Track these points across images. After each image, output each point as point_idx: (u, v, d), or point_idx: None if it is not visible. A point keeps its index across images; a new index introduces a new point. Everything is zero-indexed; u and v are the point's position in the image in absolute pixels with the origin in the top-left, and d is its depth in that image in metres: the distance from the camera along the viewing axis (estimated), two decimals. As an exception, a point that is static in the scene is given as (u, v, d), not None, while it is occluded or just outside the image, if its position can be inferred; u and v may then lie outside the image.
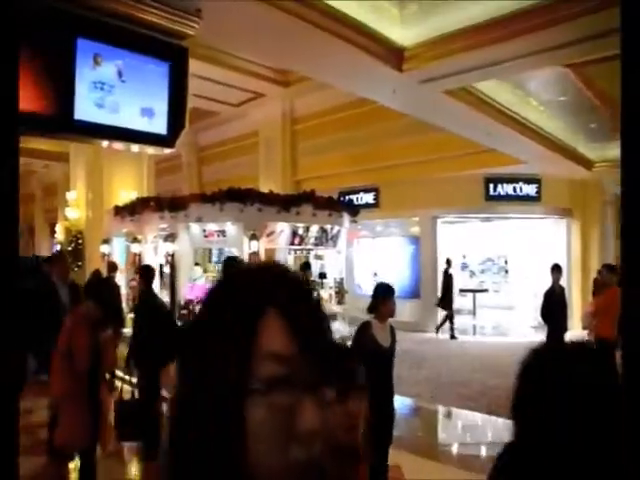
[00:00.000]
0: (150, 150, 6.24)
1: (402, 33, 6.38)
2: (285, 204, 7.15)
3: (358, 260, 14.34)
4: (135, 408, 5.09)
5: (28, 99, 4.56)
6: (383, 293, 4.06)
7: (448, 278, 12.62)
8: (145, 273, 5.73)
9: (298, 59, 6.28)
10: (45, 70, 4.60)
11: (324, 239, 8.25)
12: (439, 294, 12.71)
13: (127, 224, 8.89)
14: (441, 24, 6.12)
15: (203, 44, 7.15)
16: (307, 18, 5.14)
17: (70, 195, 13.12)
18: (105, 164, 11.69)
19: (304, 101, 13.10)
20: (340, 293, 8.98)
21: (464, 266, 15.36)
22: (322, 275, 9.27)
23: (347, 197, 13.53)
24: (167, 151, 5.49)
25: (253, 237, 6.91)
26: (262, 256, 7.10)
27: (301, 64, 6.68)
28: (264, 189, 7.86)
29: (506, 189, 13.10)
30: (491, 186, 13.02)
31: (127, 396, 5.20)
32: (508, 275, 15.24)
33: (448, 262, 12.74)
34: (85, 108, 4.86)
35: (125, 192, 11.22)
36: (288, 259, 9.17)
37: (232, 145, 15.58)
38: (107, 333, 4.26)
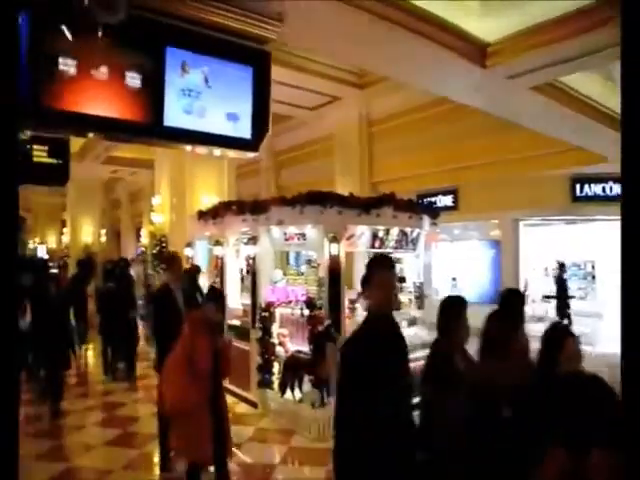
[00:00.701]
0: (233, 154, 6.35)
1: (485, 28, 6.14)
2: (365, 207, 7.06)
3: (436, 264, 14.02)
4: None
5: (123, 108, 4.74)
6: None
7: (562, 283, 12.09)
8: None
9: (380, 60, 6.19)
10: (138, 80, 4.77)
11: (404, 242, 8.09)
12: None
13: (210, 227, 9.11)
14: (526, 16, 5.83)
15: (279, 48, 7.21)
16: (390, 17, 5.05)
17: (155, 200, 13.66)
18: (188, 170, 12.09)
19: (380, 103, 12.98)
20: (420, 298, 8.79)
21: (547, 271, 14.68)
22: (401, 279, 9.11)
23: (425, 199, 13.26)
24: (251, 155, 5.55)
25: (333, 240, 6.86)
26: (342, 259, 7.04)
27: (383, 65, 6.58)
28: (340, 192, 7.80)
29: (594, 189, 12.38)
30: (578, 186, 12.35)
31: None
32: (595, 281, 14.42)
33: (562, 266, 12.21)
34: (174, 115, 5.00)
35: (207, 197, 11.55)
36: (365, 262, 9.09)
37: (308, 149, 15.69)
38: (225, 337, 4.17)
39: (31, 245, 37.20)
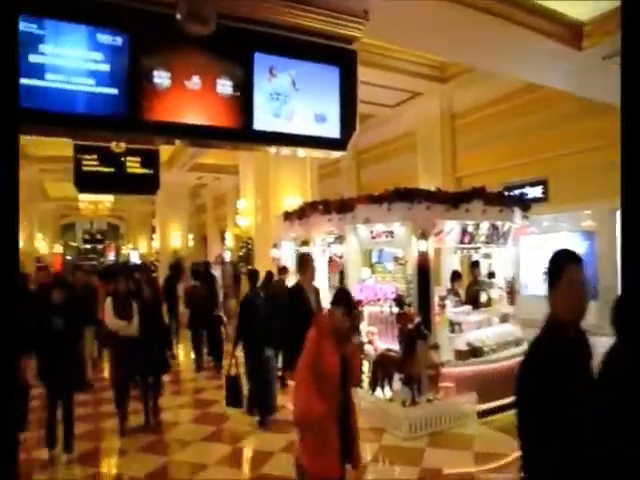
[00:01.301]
0: (319, 154, 6.42)
1: (579, 8, 5.85)
2: (454, 201, 6.91)
3: (525, 258, 13.48)
4: (238, 382, 6.77)
5: (215, 115, 4.91)
6: None
7: None
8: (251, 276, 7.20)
9: (469, 50, 6.07)
10: (229, 87, 4.93)
11: (495, 236, 7.85)
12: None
13: (295, 228, 9.23)
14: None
15: (361, 48, 7.21)
16: (479, 5, 4.92)
17: (240, 204, 14.05)
18: (271, 173, 12.34)
19: (463, 95, 12.66)
20: (511, 293, 8.49)
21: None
22: (491, 274, 8.86)
23: (512, 192, 12.79)
24: (339, 154, 5.60)
25: (422, 236, 6.77)
26: (431, 255, 6.93)
27: (472, 55, 6.44)
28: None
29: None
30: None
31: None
32: None
33: None
34: (263, 118, 5.13)
35: (291, 198, 11.74)
36: (454, 258, 8.90)
37: (389, 147, 15.57)
38: (354, 343, 3.77)
39: (124, 251, 39.40)
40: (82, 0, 4.47)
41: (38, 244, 24.86)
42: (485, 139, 12.56)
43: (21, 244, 20.12)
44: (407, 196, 6.73)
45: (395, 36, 5.91)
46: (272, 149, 5.80)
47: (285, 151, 5.91)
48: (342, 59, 5.34)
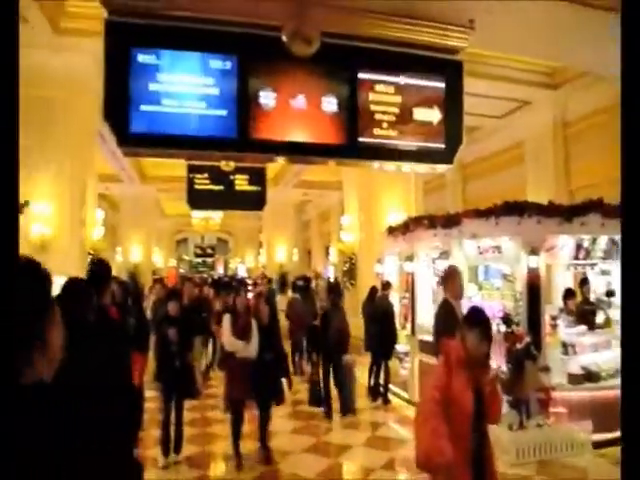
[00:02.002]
0: (423, 169, 6.34)
1: None
2: (568, 215, 6.52)
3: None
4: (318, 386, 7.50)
5: (321, 132, 5.02)
6: None
7: None
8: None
9: (585, 51, 5.75)
10: (334, 104, 5.03)
11: (615, 252, 7.30)
12: None
13: (400, 243, 9.15)
14: None
15: (464, 58, 7.07)
16: (595, 4, 4.66)
17: (344, 220, 14.20)
18: (375, 188, 12.38)
19: (578, 101, 11.96)
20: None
21: None
22: (610, 293, 8.21)
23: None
24: (444, 168, 5.50)
25: (532, 252, 6.45)
26: (542, 272, 6.58)
27: (588, 56, 6.08)
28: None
29: None
30: None
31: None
32: None
33: None
34: (368, 133, 5.17)
35: (394, 213, 11.68)
36: (567, 275, 8.38)
37: (495, 159, 15.06)
38: (491, 373, 3.18)
39: (232, 265, 41.13)
40: (195, 30, 4.77)
41: (155, 258, 26.63)
42: (602, 147, 11.75)
43: (140, 258, 21.68)
44: (516, 209, 6.46)
45: (503, 43, 5.74)
46: (376, 164, 5.81)
47: (389, 166, 5.89)
48: (447, 70, 5.27)
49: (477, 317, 3.07)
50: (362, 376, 8.73)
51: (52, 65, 9.52)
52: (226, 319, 6.12)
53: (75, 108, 10.20)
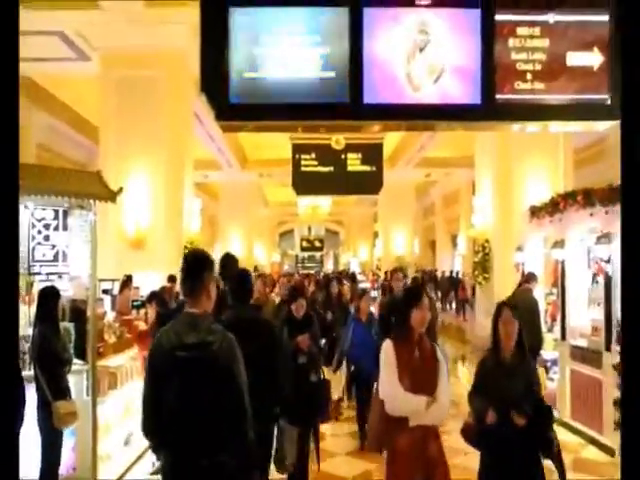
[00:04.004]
0: (578, 126, 5.93)
1: None
2: None
3: None
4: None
5: (448, 91, 4.79)
6: None
7: None
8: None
9: None
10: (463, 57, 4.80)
11: None
12: None
13: (545, 227, 8.72)
14: None
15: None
16: None
17: (476, 201, 13.77)
18: (515, 162, 11.88)
19: None
20: None
21: None
22: None
23: None
24: (606, 126, 5.03)
25: None
26: None
27: None
28: None
29: None
30: None
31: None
32: None
33: None
34: (507, 88, 4.88)
35: (537, 192, 11.10)
36: None
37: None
38: None
39: (343, 259, 41.43)
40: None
41: (257, 252, 27.38)
42: None
43: (241, 252, 22.39)
44: None
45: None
46: (515, 126, 5.48)
47: (533, 127, 5.54)
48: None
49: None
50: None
51: (147, 44, 10.14)
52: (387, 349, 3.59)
53: (170, 89, 10.74)
